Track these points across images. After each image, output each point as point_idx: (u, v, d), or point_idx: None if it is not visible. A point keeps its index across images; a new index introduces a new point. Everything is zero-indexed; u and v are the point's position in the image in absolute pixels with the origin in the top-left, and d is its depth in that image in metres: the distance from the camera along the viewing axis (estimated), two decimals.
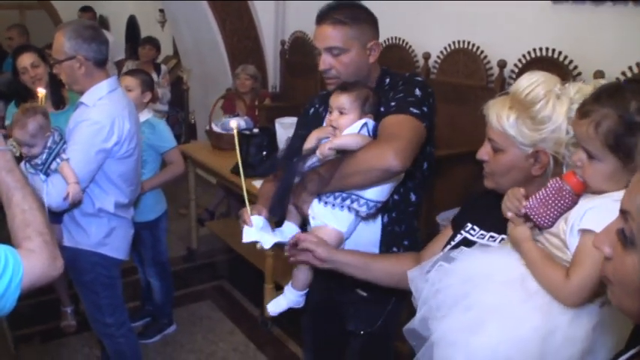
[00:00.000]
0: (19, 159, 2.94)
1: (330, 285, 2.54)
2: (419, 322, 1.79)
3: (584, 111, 1.55)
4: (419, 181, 2.53)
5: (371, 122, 2.36)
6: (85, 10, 8.22)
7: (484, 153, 1.86)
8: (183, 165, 4.37)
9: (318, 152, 2.29)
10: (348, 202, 2.32)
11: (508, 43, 4.26)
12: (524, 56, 4.08)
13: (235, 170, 4.79)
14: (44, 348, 4.45)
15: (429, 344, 1.71)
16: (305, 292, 2.49)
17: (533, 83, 1.71)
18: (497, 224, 1.84)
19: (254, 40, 6.88)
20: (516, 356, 1.55)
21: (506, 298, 1.62)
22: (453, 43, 4.64)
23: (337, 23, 2.38)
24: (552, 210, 1.61)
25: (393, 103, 2.37)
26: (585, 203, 1.56)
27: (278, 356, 4.43)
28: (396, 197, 2.46)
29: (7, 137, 2.98)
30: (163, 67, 7.36)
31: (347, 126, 2.34)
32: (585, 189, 1.58)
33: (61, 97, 4.23)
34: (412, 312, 1.89)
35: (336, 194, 2.32)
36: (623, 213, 1.09)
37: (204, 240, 6.12)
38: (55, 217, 3.10)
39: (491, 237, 1.88)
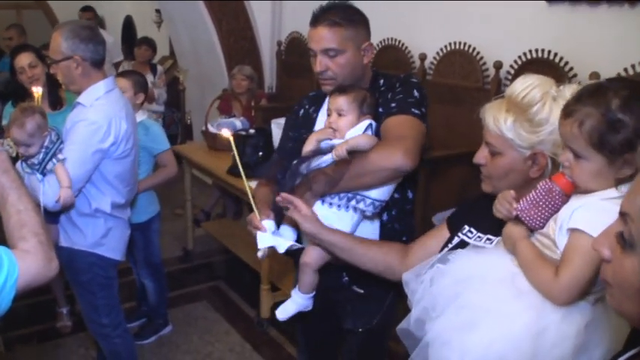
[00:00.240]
0: (15, 159, 2.94)
1: (326, 284, 2.54)
2: (413, 323, 1.79)
3: (567, 111, 1.57)
4: (414, 180, 2.56)
5: (374, 123, 2.38)
6: (86, 9, 8.21)
7: (481, 157, 1.87)
8: (176, 167, 4.35)
9: (333, 153, 2.28)
10: (353, 202, 2.34)
11: (504, 45, 4.26)
12: (520, 57, 4.09)
13: (231, 171, 4.79)
14: (40, 348, 4.44)
15: (424, 344, 1.72)
16: (313, 294, 2.48)
17: (528, 86, 1.72)
18: (494, 227, 1.85)
19: (250, 41, 6.88)
20: (510, 353, 1.55)
21: (497, 296, 1.63)
22: (449, 44, 4.64)
23: (333, 25, 2.39)
24: (543, 211, 1.63)
25: (393, 104, 2.39)
26: (574, 202, 1.58)
27: (274, 357, 4.43)
28: (396, 195, 2.47)
29: (2, 137, 2.99)
30: (159, 68, 7.36)
31: (346, 127, 2.36)
32: (575, 189, 1.59)
33: (58, 97, 4.23)
34: (408, 308, 1.90)
35: (341, 195, 2.33)
36: (623, 215, 1.09)
37: (200, 240, 6.12)
38: (51, 217, 3.10)
39: (488, 239, 1.88)
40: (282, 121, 4.92)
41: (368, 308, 2.63)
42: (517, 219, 1.68)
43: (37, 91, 3.18)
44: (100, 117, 3.04)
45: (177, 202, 6.97)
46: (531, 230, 1.67)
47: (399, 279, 2.15)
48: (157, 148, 4.18)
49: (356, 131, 2.35)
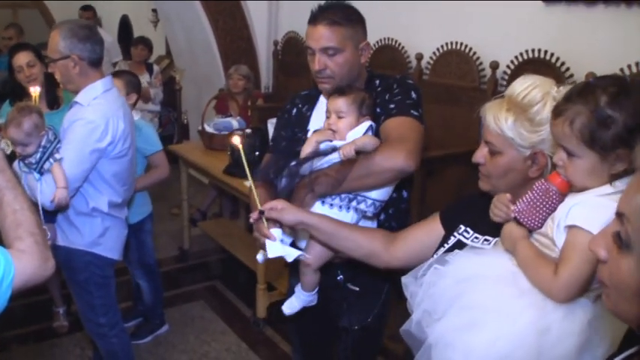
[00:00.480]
0: (12, 157, 2.94)
1: (321, 283, 2.54)
2: (415, 326, 1.79)
3: (557, 111, 1.59)
4: (408, 179, 2.56)
5: (374, 124, 2.39)
6: (86, 9, 8.20)
7: (480, 156, 1.87)
8: (168, 169, 4.33)
9: (341, 153, 2.29)
10: (354, 203, 2.35)
11: (501, 45, 4.27)
12: (516, 58, 4.10)
13: (228, 171, 4.79)
14: (36, 348, 4.43)
15: (427, 346, 1.72)
16: (316, 290, 2.50)
17: (528, 86, 1.73)
18: (491, 228, 1.86)
19: (247, 41, 6.88)
20: (514, 352, 1.56)
21: (499, 296, 1.63)
22: (446, 44, 4.65)
23: (333, 24, 2.40)
24: (541, 211, 1.64)
25: (392, 106, 2.41)
26: (570, 200, 1.59)
27: (270, 356, 4.43)
28: (393, 195, 2.49)
29: None
30: (156, 67, 7.35)
31: (346, 129, 2.36)
32: (570, 188, 1.61)
33: (56, 97, 4.21)
34: (402, 305, 1.90)
35: (342, 196, 2.34)
36: (619, 216, 1.09)
37: (196, 240, 6.11)
38: (48, 216, 3.09)
39: (486, 240, 1.89)
40: None
41: (363, 305, 2.64)
42: (515, 221, 1.69)
43: (35, 90, 3.17)
44: (98, 116, 3.04)
45: (173, 201, 6.98)
46: (530, 231, 1.68)
47: (383, 265, 2.21)
48: (149, 149, 4.17)
49: (356, 132, 2.35)
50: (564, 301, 1.55)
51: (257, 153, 4.71)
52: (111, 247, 3.32)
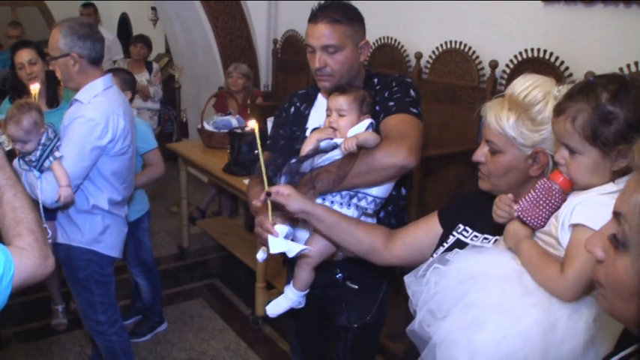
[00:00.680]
0: (13, 155, 2.94)
1: (320, 281, 2.55)
2: (418, 325, 1.79)
3: (559, 109, 1.60)
4: (407, 176, 2.59)
5: (374, 122, 2.41)
6: (86, 6, 8.19)
7: (480, 155, 1.88)
8: (164, 167, 4.32)
9: (342, 147, 2.30)
10: (355, 200, 2.37)
11: (500, 44, 4.27)
12: (515, 57, 4.10)
13: (227, 169, 4.79)
14: (35, 346, 4.43)
15: (432, 345, 1.72)
16: (306, 292, 2.49)
17: (529, 86, 1.75)
18: (490, 226, 1.87)
19: (246, 39, 6.88)
20: (521, 350, 1.56)
21: (504, 294, 1.64)
22: (445, 43, 4.65)
23: (333, 22, 2.43)
24: (544, 210, 1.65)
25: (391, 103, 2.43)
26: (573, 199, 1.60)
27: (269, 354, 4.44)
28: (393, 192, 2.50)
29: None
30: (155, 66, 7.34)
31: (347, 127, 2.38)
32: (573, 186, 1.62)
33: (56, 95, 4.21)
34: (401, 301, 1.90)
35: (343, 193, 2.35)
36: (616, 215, 1.10)
37: (195, 238, 6.12)
38: (49, 213, 3.10)
39: (485, 239, 1.91)
40: None
41: (362, 304, 2.65)
42: (518, 220, 1.70)
43: (35, 88, 3.18)
44: (98, 114, 3.04)
45: (172, 199, 6.99)
46: (533, 230, 1.69)
47: (382, 262, 2.22)
48: (144, 147, 4.16)
49: (357, 130, 2.37)
50: (571, 300, 1.56)
51: (256, 151, 4.71)
52: (111, 245, 3.32)
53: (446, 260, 1.82)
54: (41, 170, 2.94)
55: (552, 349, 1.55)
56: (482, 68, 4.40)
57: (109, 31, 8.55)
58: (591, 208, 1.53)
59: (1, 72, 6.75)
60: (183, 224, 5.99)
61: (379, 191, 2.39)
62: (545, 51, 3.90)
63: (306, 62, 2.56)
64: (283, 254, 2.28)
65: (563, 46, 3.82)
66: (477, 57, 4.43)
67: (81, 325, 3.72)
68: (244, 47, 6.89)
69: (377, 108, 2.46)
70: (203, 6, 6.55)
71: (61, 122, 3.15)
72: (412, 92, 2.48)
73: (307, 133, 2.56)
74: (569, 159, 1.60)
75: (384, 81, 2.56)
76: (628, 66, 3.39)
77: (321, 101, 2.62)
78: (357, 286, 2.61)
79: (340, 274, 2.60)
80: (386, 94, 2.49)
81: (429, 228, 2.14)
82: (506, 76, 4.18)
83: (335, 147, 2.34)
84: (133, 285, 4.71)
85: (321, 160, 2.35)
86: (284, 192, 2.15)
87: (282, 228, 2.24)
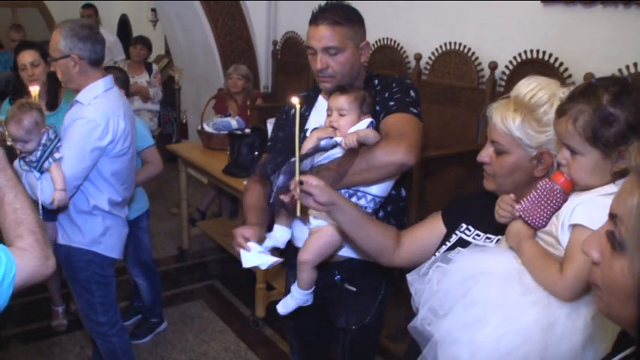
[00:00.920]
0: (13, 156, 2.95)
1: (318, 282, 2.56)
2: (420, 323, 1.81)
3: (561, 110, 1.62)
4: (405, 177, 2.62)
5: (374, 121, 2.43)
6: (86, 7, 8.20)
7: (485, 155, 1.89)
8: (161, 164, 4.30)
9: (343, 142, 2.32)
10: (354, 198, 2.38)
11: (499, 45, 4.28)
12: (515, 58, 4.10)
13: (226, 170, 4.79)
14: (35, 347, 4.43)
15: (434, 342, 1.74)
16: (312, 289, 2.51)
17: (534, 88, 1.77)
18: (492, 226, 1.89)
19: (246, 41, 6.89)
20: (519, 348, 1.58)
21: (505, 292, 1.66)
22: (445, 44, 4.65)
23: (334, 24, 2.44)
24: (545, 210, 1.67)
25: (392, 103, 2.45)
26: (574, 199, 1.62)
27: (269, 355, 4.44)
28: (392, 192, 2.52)
29: None
30: (155, 67, 7.34)
31: (347, 126, 2.39)
32: (574, 187, 1.64)
33: (56, 98, 4.21)
34: (399, 302, 1.92)
35: (342, 191, 2.36)
36: (612, 217, 1.10)
37: (195, 240, 6.12)
38: (49, 214, 3.10)
39: (488, 238, 1.93)
40: None
41: (361, 306, 2.66)
42: (520, 219, 1.72)
43: (34, 90, 3.19)
44: (98, 115, 3.05)
45: (172, 201, 6.99)
46: (535, 229, 1.71)
47: (387, 263, 2.22)
48: (140, 145, 4.14)
49: (358, 128, 2.38)
50: (569, 300, 1.58)
51: (256, 153, 4.72)
52: (112, 246, 3.33)
53: (448, 259, 1.84)
54: (41, 171, 2.95)
55: (551, 347, 1.56)
56: (482, 69, 4.41)
57: (110, 33, 8.55)
58: (591, 208, 1.55)
59: (3, 73, 6.76)
60: (183, 225, 5.98)
61: (379, 190, 2.40)
62: (544, 52, 3.90)
63: (305, 64, 2.58)
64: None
65: (563, 47, 3.83)
66: (477, 58, 4.43)
67: (81, 326, 3.72)
68: (244, 48, 6.90)
69: (377, 108, 2.48)
70: (203, 7, 6.56)
71: (60, 124, 3.16)
72: (412, 93, 2.50)
73: (307, 134, 2.56)
74: (571, 160, 1.62)
75: (385, 82, 2.58)
76: (627, 67, 3.40)
77: (321, 102, 2.64)
78: (355, 288, 2.62)
79: (338, 276, 2.61)
80: (386, 95, 2.50)
81: (432, 228, 2.16)
82: (505, 78, 4.19)
83: (335, 145, 2.35)
84: (132, 285, 4.71)
85: (322, 158, 2.36)
86: (312, 182, 2.11)
87: (254, 245, 2.34)
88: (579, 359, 1.56)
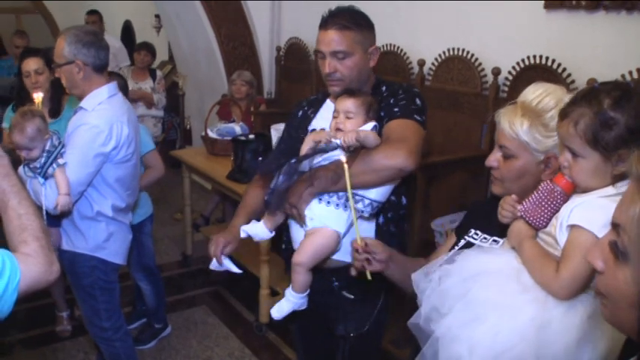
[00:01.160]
0: (17, 162, 2.96)
1: (317, 287, 2.57)
2: (423, 321, 1.85)
3: (563, 113, 1.67)
4: (408, 186, 2.62)
5: (378, 125, 2.43)
6: (91, 13, 8.23)
7: (493, 160, 1.93)
8: (163, 168, 4.30)
9: (341, 139, 2.33)
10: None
11: (502, 51, 4.28)
12: (518, 64, 4.10)
13: (230, 176, 4.80)
14: (40, 352, 4.44)
15: (434, 339, 1.78)
16: (307, 293, 2.51)
17: (541, 94, 1.82)
18: (499, 229, 1.92)
19: (250, 47, 6.90)
20: (516, 345, 1.61)
21: (503, 290, 1.69)
22: (448, 50, 4.66)
23: (343, 28, 2.47)
24: (545, 211, 1.71)
25: (396, 109, 2.47)
26: (573, 201, 1.66)
27: None
28: (392, 198, 2.52)
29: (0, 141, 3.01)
30: (159, 73, 7.36)
31: (353, 129, 2.39)
32: (575, 189, 1.67)
33: (60, 105, 4.22)
34: (399, 312, 1.94)
35: (340, 194, 2.37)
36: (615, 226, 1.11)
37: (199, 245, 6.11)
38: (53, 220, 3.11)
39: (495, 241, 1.96)
40: (281, 126, 4.93)
41: (359, 313, 2.66)
42: (522, 220, 1.76)
43: (38, 96, 3.20)
44: (102, 121, 3.07)
45: (176, 206, 7.00)
46: (536, 230, 1.75)
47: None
48: (141, 150, 4.14)
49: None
50: (565, 299, 1.61)
51: (260, 159, 4.72)
52: (115, 252, 3.34)
53: (453, 260, 1.88)
54: (45, 177, 2.96)
55: (547, 345, 1.59)
56: (485, 75, 4.41)
57: (115, 39, 8.57)
58: (589, 210, 1.58)
59: (7, 79, 6.77)
60: (187, 231, 5.99)
61: (377, 194, 2.40)
62: (547, 58, 3.90)
63: (309, 69, 2.59)
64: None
65: (566, 53, 3.83)
66: (480, 64, 4.43)
67: (85, 332, 3.73)
68: (247, 54, 6.91)
69: (382, 113, 2.49)
70: (206, 13, 6.57)
71: (63, 132, 3.18)
72: (418, 101, 2.51)
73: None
74: (572, 162, 1.65)
75: (392, 88, 2.60)
76: (630, 73, 3.40)
77: (328, 105, 2.66)
78: (353, 296, 2.63)
79: (336, 283, 2.62)
80: (391, 101, 2.52)
81: (448, 246, 2.19)
82: (508, 83, 4.19)
83: (335, 147, 2.35)
84: (135, 290, 4.71)
85: (321, 159, 2.38)
86: (371, 241, 2.23)
87: (226, 260, 2.70)
88: (576, 357, 1.59)
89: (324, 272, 2.55)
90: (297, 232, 2.51)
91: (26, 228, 1.78)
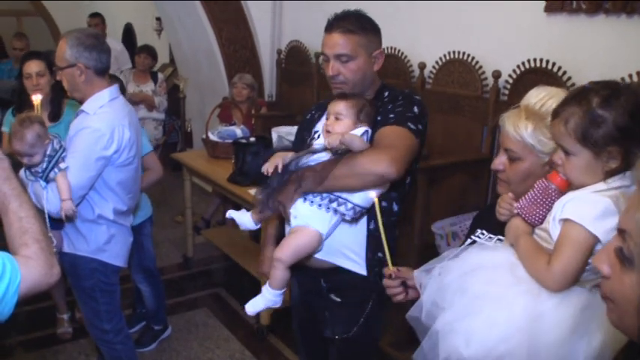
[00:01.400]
0: (19, 166, 2.97)
1: (306, 287, 2.64)
2: (425, 317, 1.91)
3: (555, 113, 1.72)
4: (401, 194, 2.62)
5: (369, 130, 2.45)
6: (93, 16, 8.24)
7: (499, 163, 1.97)
8: (161, 170, 4.28)
9: (325, 141, 2.37)
10: (334, 204, 2.40)
11: (503, 54, 4.28)
12: (518, 67, 4.11)
13: (231, 179, 4.80)
14: (40, 355, 4.44)
15: (434, 331, 1.83)
16: (282, 291, 2.55)
17: (544, 97, 1.87)
18: (503, 229, 1.95)
19: (250, 50, 6.91)
20: (511, 336, 1.66)
21: (496, 283, 1.75)
22: (449, 53, 4.66)
23: (346, 32, 2.50)
24: (541, 208, 1.77)
25: (391, 115, 2.47)
26: (566, 196, 1.71)
27: None
28: (384, 204, 2.51)
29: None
30: (160, 76, 7.37)
31: (342, 131, 2.42)
32: (569, 186, 1.73)
33: (60, 109, 4.23)
34: (393, 318, 1.97)
35: (324, 195, 2.40)
36: (621, 232, 1.11)
37: (200, 248, 6.13)
38: (55, 223, 3.12)
39: (499, 239, 1.99)
40: (282, 129, 4.95)
41: (346, 317, 2.67)
42: (518, 217, 1.82)
43: (36, 99, 3.20)
44: (104, 125, 3.07)
45: (177, 209, 7.00)
46: (532, 226, 1.80)
47: None
48: None
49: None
50: (557, 290, 1.66)
51: (261, 162, 4.72)
52: (116, 254, 3.34)
53: (456, 256, 1.94)
54: (47, 180, 2.97)
55: (540, 336, 1.64)
56: (486, 78, 4.41)
57: (117, 42, 8.59)
58: (581, 204, 1.64)
59: (7, 82, 6.78)
60: (188, 234, 5.99)
61: (360, 199, 2.40)
62: (547, 61, 3.91)
63: (310, 72, 2.61)
64: None
65: (566, 56, 3.84)
66: (480, 67, 4.44)
67: (86, 334, 3.73)
68: (248, 57, 6.92)
69: (378, 118, 2.50)
70: (207, 16, 6.58)
71: (63, 136, 3.18)
72: (416, 109, 2.50)
73: (316, 136, 2.63)
74: (565, 160, 1.71)
75: (393, 94, 2.61)
76: (630, 76, 3.41)
77: None
78: (340, 299, 2.65)
79: (324, 285, 2.64)
80: (389, 107, 2.53)
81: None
82: (509, 86, 4.20)
83: (322, 149, 2.41)
84: (135, 292, 4.71)
85: (309, 160, 2.41)
86: (404, 269, 2.21)
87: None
88: (570, 349, 1.63)
89: (314, 273, 2.59)
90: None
91: (27, 231, 1.78)
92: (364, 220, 2.52)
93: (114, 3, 10.92)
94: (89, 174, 3.06)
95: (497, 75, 4.25)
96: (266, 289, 2.56)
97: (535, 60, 3.99)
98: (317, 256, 2.53)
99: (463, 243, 2.14)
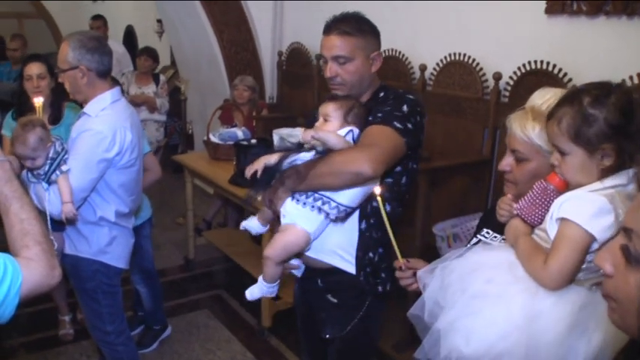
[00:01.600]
0: (22, 166, 2.98)
1: (304, 286, 2.67)
2: (427, 316, 1.93)
3: (549, 114, 1.75)
4: (395, 194, 2.60)
5: (356, 130, 2.47)
6: (95, 18, 8.25)
7: (506, 164, 1.99)
8: (160, 170, 4.25)
9: (301, 137, 2.43)
10: (319, 203, 2.41)
11: (503, 56, 4.29)
12: (519, 69, 4.11)
13: (232, 181, 4.80)
14: (42, 356, 4.44)
15: (435, 330, 1.86)
16: (276, 283, 2.61)
17: (549, 98, 1.88)
18: None
19: (251, 52, 6.91)
20: (509, 334, 1.68)
21: (496, 282, 1.77)
22: (449, 55, 4.67)
23: (344, 34, 2.50)
24: (540, 208, 1.79)
25: (379, 114, 2.48)
26: (563, 196, 1.72)
27: None
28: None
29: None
30: (162, 77, 7.37)
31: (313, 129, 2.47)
32: (567, 186, 1.74)
33: (60, 112, 4.23)
34: (391, 319, 1.98)
35: (309, 194, 2.41)
36: (627, 231, 1.11)
37: (201, 249, 6.13)
38: (57, 225, 3.12)
39: (504, 239, 1.99)
40: (283, 131, 4.92)
41: (341, 317, 2.68)
42: (518, 217, 1.84)
43: (38, 101, 3.21)
44: (106, 127, 3.08)
45: (178, 211, 7.00)
46: (531, 227, 1.82)
47: None
48: None
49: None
50: (554, 289, 1.68)
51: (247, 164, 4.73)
52: (118, 256, 3.35)
53: (461, 256, 1.95)
54: (49, 182, 2.97)
55: (539, 334, 1.65)
56: (486, 80, 4.42)
57: (119, 44, 8.59)
58: (577, 203, 1.66)
59: (7, 85, 6.79)
60: (189, 235, 5.99)
61: (344, 198, 2.41)
62: (548, 63, 3.92)
63: (310, 74, 2.62)
64: None
65: (566, 58, 3.84)
66: (481, 69, 4.44)
67: (88, 336, 3.73)
68: (249, 59, 6.92)
69: (370, 118, 2.50)
70: (208, 18, 6.59)
71: (65, 137, 3.19)
72: (405, 108, 2.48)
73: None
74: (561, 160, 1.73)
75: (386, 94, 2.62)
76: (631, 77, 3.41)
77: None
78: (336, 300, 2.66)
79: (321, 284, 2.66)
80: (380, 107, 2.53)
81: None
82: (509, 88, 4.20)
83: (312, 148, 2.44)
84: (134, 294, 4.72)
85: (294, 159, 2.44)
86: (413, 260, 2.25)
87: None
88: (569, 347, 1.65)
89: (312, 272, 2.63)
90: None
91: (28, 233, 1.79)
92: (356, 220, 2.54)
93: (115, 5, 10.94)
94: (91, 176, 3.06)
95: (497, 77, 4.25)
96: (260, 281, 2.62)
97: (536, 62, 4.00)
98: (313, 255, 2.56)
99: (469, 243, 2.16)
